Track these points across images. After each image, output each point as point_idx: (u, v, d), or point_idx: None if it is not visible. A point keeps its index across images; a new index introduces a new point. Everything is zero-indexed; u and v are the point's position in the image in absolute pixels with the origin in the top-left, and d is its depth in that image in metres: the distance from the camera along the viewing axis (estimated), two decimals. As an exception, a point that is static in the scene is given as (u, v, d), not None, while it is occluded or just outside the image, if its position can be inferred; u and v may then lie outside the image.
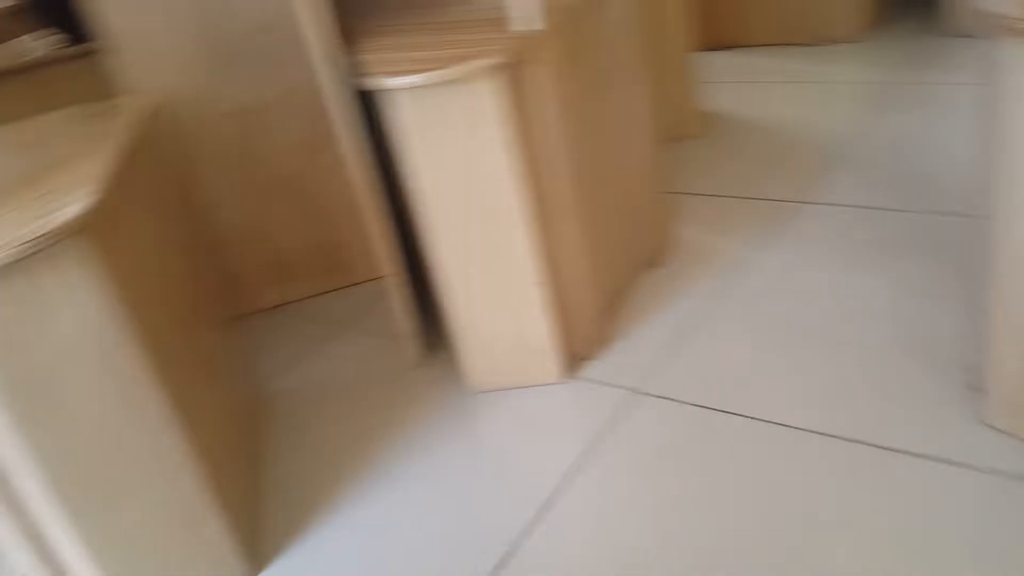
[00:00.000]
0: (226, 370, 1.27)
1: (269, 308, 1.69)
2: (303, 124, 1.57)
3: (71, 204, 0.84)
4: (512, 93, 1.08)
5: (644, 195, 1.48)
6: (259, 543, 1.12)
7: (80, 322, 0.85)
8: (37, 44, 1.63)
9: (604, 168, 1.34)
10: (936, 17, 2.24)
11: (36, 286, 0.83)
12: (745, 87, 2.26)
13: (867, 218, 1.55)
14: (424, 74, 1.03)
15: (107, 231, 0.89)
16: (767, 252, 1.51)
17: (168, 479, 0.95)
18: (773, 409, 1.15)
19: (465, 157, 1.12)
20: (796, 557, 0.94)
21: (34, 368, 0.85)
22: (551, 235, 1.22)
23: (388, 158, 1.29)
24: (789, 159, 1.82)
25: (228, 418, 1.17)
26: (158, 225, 1.13)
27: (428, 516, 1.11)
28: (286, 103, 1.55)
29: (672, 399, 1.22)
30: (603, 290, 1.37)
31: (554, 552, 1.01)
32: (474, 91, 1.06)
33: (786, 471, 1.05)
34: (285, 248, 1.66)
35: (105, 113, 1.20)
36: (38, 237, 0.80)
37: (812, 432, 1.10)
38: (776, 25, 2.48)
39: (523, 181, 1.13)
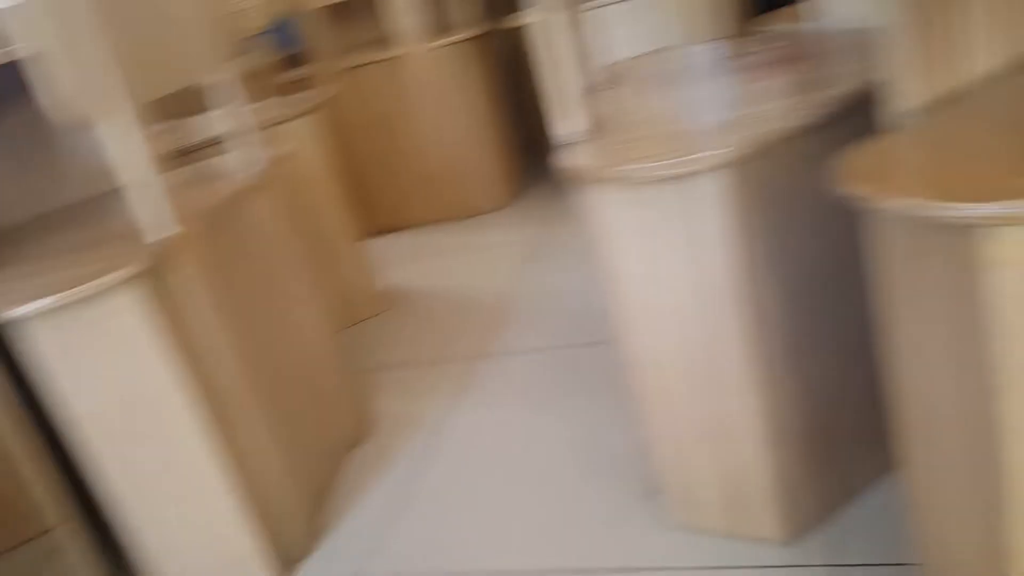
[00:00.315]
0: None
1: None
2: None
3: None
4: (158, 302, 1.06)
5: (332, 380, 1.49)
6: None
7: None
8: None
9: (283, 362, 1.33)
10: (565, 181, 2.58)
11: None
12: (416, 263, 2.40)
13: (538, 360, 1.68)
14: (54, 296, 0.98)
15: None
16: (460, 410, 1.57)
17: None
18: (490, 557, 1.17)
19: (119, 376, 1.06)
20: None
21: None
22: (234, 439, 1.17)
23: (33, 395, 1.18)
24: (466, 321, 1.93)
25: None
26: None
27: None
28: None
29: (399, 574, 1.19)
30: (306, 484, 1.33)
31: None
32: (115, 306, 1.02)
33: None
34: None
35: None
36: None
37: (530, 571, 1.13)
38: (433, 205, 2.69)
39: (189, 390, 1.09)
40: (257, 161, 1.36)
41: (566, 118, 1.01)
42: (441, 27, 2.67)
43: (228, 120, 1.35)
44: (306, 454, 1.36)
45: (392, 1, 2.45)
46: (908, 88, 0.76)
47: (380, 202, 2.71)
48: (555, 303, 1.91)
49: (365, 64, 2.56)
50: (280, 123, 1.92)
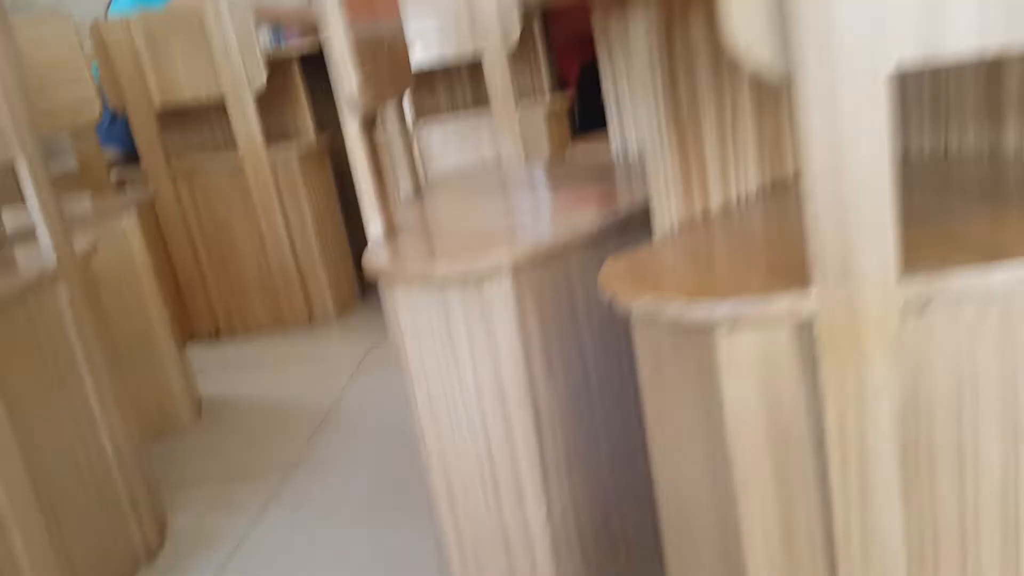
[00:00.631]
0: None
1: None
2: None
3: None
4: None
5: (126, 491, 1.38)
6: None
7: None
8: None
9: (69, 469, 1.22)
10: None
11: None
12: (243, 372, 2.31)
13: (352, 476, 1.62)
14: None
15: None
16: (264, 526, 1.49)
17: None
18: None
19: None
20: None
21: None
22: (10, 552, 1.05)
23: None
24: (282, 433, 1.86)
25: None
26: None
27: None
28: None
29: None
30: (71, 603, 1.20)
31: None
32: None
33: None
34: None
35: None
36: None
37: None
38: (268, 313, 2.63)
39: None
40: (52, 255, 1.29)
41: (374, 223, 1.02)
42: (282, 134, 2.69)
43: (30, 211, 1.28)
44: (90, 570, 1.24)
45: (233, 107, 2.46)
46: (670, 205, 0.82)
47: (214, 307, 2.62)
48: (376, 417, 1.87)
49: (204, 166, 2.53)
50: (96, 218, 1.84)
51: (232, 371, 2.34)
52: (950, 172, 0.88)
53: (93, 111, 2.01)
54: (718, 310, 0.62)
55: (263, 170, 2.51)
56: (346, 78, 0.91)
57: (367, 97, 0.94)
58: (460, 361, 0.95)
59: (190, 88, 2.46)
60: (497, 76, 2.32)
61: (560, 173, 1.28)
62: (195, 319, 2.63)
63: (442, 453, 1.01)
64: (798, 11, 0.55)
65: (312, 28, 2.71)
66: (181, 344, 2.05)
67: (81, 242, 1.40)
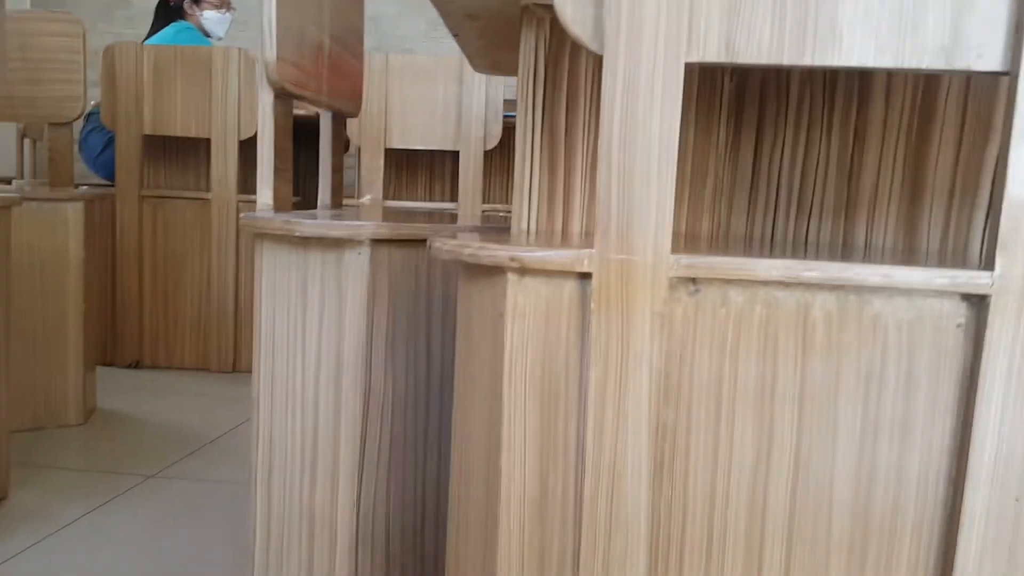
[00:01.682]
0: None
1: None
2: None
3: None
4: None
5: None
6: None
7: None
8: None
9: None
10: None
11: None
12: (144, 395, 2.28)
13: (214, 490, 1.58)
14: None
15: None
16: (99, 514, 1.44)
17: None
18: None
19: None
20: None
21: None
22: None
23: None
24: (163, 448, 1.82)
25: None
26: None
27: None
28: None
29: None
30: None
31: None
32: None
33: None
34: None
35: None
36: None
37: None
38: (199, 352, 2.62)
39: None
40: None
41: (264, 193, 1.06)
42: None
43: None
44: None
45: (217, 149, 2.55)
46: (528, 214, 0.86)
47: (143, 336, 2.62)
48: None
49: (173, 199, 2.60)
50: (44, 201, 1.89)
51: (138, 393, 2.31)
52: (801, 246, 0.94)
53: (75, 110, 2.10)
54: (507, 252, 0.65)
55: (229, 216, 2.58)
56: (268, 46, 0.98)
57: (283, 75, 1.01)
58: (308, 329, 0.96)
59: (182, 123, 2.57)
60: (469, 172, 2.43)
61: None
62: (121, 345, 2.62)
63: (270, 425, 1.00)
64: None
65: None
66: (92, 356, 2.05)
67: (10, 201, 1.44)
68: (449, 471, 1.02)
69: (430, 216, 1.26)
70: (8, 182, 3.02)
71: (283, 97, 1.03)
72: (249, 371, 2.61)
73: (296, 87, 1.05)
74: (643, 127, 0.62)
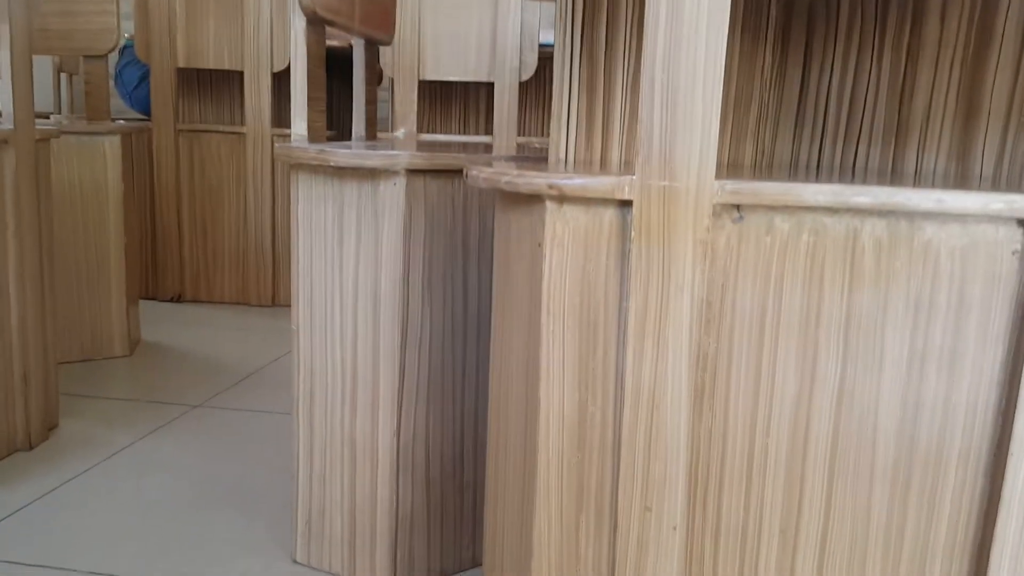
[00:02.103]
0: None
1: None
2: None
3: None
4: None
5: (17, 367, 1.38)
6: None
7: None
8: None
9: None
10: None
11: None
12: (188, 328, 2.32)
13: (253, 419, 1.62)
14: None
15: None
16: (148, 443, 1.48)
17: None
18: (99, 563, 1.06)
19: None
20: None
21: None
22: None
23: None
24: (206, 379, 1.86)
25: None
26: None
27: None
28: None
29: (8, 561, 1.06)
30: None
31: None
32: None
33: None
34: None
35: None
36: None
37: (124, 577, 1.03)
38: (238, 286, 2.65)
39: None
40: (11, 121, 1.33)
41: (299, 122, 1.05)
42: (289, 118, 2.77)
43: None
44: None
45: (250, 82, 2.54)
46: (567, 143, 0.85)
47: (184, 271, 2.65)
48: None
49: (209, 133, 2.60)
50: (82, 134, 1.90)
51: (180, 326, 2.36)
52: (848, 172, 0.91)
53: (109, 42, 2.09)
54: (545, 180, 0.64)
55: (264, 149, 2.57)
56: (298, -29, 0.96)
57: (319, 1, 0.99)
58: (345, 260, 0.96)
59: (215, 56, 2.55)
60: (505, 104, 2.40)
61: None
62: (162, 279, 2.65)
63: (310, 355, 1.01)
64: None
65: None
66: (135, 289, 2.08)
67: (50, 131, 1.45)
68: (487, 401, 1.03)
69: (464, 148, 1.25)
70: (46, 117, 3.05)
71: (315, 23, 1.01)
72: (288, 305, 2.65)
73: (328, 12, 1.02)
74: (688, 46, 0.60)
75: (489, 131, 2.91)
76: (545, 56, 2.62)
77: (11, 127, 1.32)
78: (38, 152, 1.40)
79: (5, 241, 1.34)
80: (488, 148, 1.36)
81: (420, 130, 2.89)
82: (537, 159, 1.03)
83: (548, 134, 2.87)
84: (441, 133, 2.94)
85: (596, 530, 0.68)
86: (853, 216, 0.62)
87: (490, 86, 2.83)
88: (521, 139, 2.72)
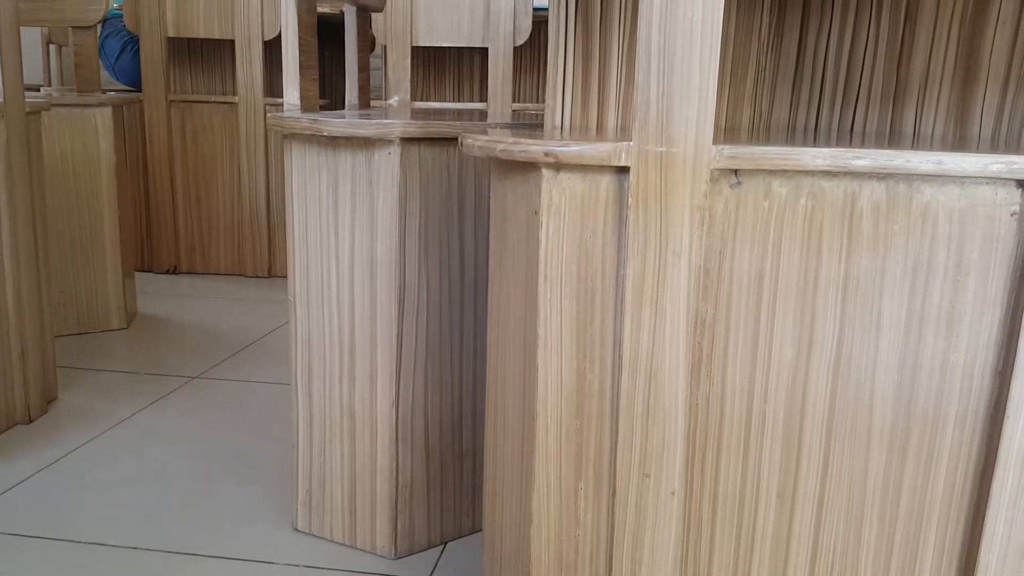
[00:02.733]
0: None
1: None
2: None
3: None
4: None
5: (14, 341, 1.38)
6: None
7: None
8: None
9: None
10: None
11: None
12: (184, 299, 2.31)
13: (252, 390, 1.62)
14: None
15: None
16: (147, 413, 1.48)
17: None
18: (100, 533, 1.07)
19: None
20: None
21: None
22: None
23: None
24: (203, 350, 1.86)
25: None
26: None
27: None
28: None
29: (13, 531, 1.07)
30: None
31: None
32: None
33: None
34: None
35: None
36: None
37: (129, 547, 1.04)
38: (232, 257, 2.64)
39: None
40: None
41: (291, 92, 1.04)
42: (281, 88, 2.74)
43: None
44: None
45: (241, 51, 2.51)
46: (562, 108, 0.84)
47: (179, 242, 2.64)
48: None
49: (201, 103, 2.57)
50: (73, 106, 1.88)
51: (177, 298, 2.35)
52: (845, 136, 0.91)
53: (98, 13, 2.06)
54: (541, 147, 0.64)
55: (256, 119, 2.55)
56: (287, -63, 0.94)
57: (308, -33, 0.97)
58: (340, 230, 0.96)
59: (205, 25, 2.52)
60: (499, 70, 2.37)
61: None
62: (157, 251, 2.65)
63: (307, 326, 1.01)
64: None
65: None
66: (131, 261, 2.07)
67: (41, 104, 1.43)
68: (484, 369, 1.03)
69: (459, 115, 1.23)
70: (36, 89, 3.01)
71: (306, -9, 1.00)
72: (284, 276, 2.64)
73: (319, -20, 1.01)
74: (685, 8, 0.59)
75: (483, 98, 2.88)
76: (539, 21, 2.59)
77: (0, 100, 1.30)
78: (29, 125, 1.39)
79: (-2, 215, 1.33)
80: (483, 115, 1.35)
81: (413, 98, 2.86)
82: (532, 126, 1.03)
83: (543, 100, 2.85)
84: (435, 100, 2.92)
85: (595, 496, 0.68)
86: (852, 180, 0.61)
87: (484, 52, 2.80)
88: (516, 105, 2.70)
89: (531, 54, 2.87)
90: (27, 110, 1.38)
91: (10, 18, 1.32)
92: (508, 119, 1.22)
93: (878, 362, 0.65)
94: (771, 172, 0.62)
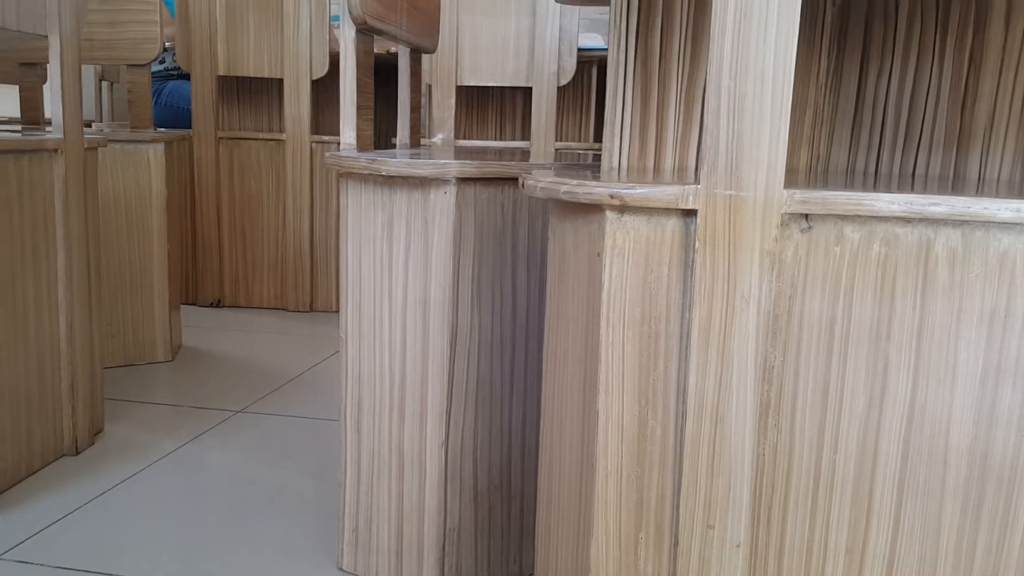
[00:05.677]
0: None
1: None
2: None
3: None
4: None
5: (65, 375, 1.40)
6: None
7: None
8: None
9: (8, 327, 1.25)
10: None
11: None
12: (228, 333, 2.33)
13: (295, 425, 1.62)
14: None
15: None
16: (192, 447, 1.49)
17: None
18: (144, 566, 1.07)
19: None
20: None
21: None
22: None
23: None
24: (247, 384, 1.87)
25: None
26: None
27: None
28: None
29: (37, 564, 1.07)
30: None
31: None
32: None
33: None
34: None
35: None
36: None
37: (172, 584, 1.04)
38: (275, 291, 2.67)
39: None
40: (60, 130, 1.35)
41: (347, 131, 1.05)
42: (330, 129, 2.78)
43: (51, 87, 1.35)
44: (10, 436, 1.25)
45: (290, 90, 2.56)
46: (620, 149, 0.83)
47: (223, 276, 2.67)
48: (336, 392, 1.88)
49: (249, 140, 2.62)
50: (126, 142, 1.92)
51: (220, 332, 2.37)
52: (907, 180, 0.89)
53: (152, 51, 2.12)
54: (606, 189, 0.63)
55: (303, 156, 2.59)
56: (349, -21, 0.96)
57: (367, 9, 0.99)
58: (394, 269, 0.96)
59: (255, 64, 2.57)
60: (542, 109, 2.39)
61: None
62: (202, 284, 2.68)
63: (358, 364, 1.01)
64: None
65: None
66: (177, 295, 2.10)
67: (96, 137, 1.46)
68: (535, 411, 1.02)
69: (500, 154, 1.24)
70: (88, 125, 3.09)
71: (365, 32, 1.01)
72: (325, 311, 2.66)
73: (378, 21, 1.02)
74: (757, 52, 0.58)
75: (525, 136, 2.90)
76: (584, 61, 2.61)
77: (61, 136, 1.33)
78: (86, 161, 1.42)
79: (54, 250, 1.35)
80: (525, 153, 1.35)
81: (456, 136, 2.89)
82: (584, 166, 1.02)
83: (585, 139, 2.86)
84: (477, 139, 2.94)
85: (656, 546, 0.66)
86: (927, 226, 0.60)
87: (526, 91, 2.82)
88: (559, 144, 2.71)
89: (573, 93, 2.89)
90: (85, 146, 1.41)
91: (73, 58, 1.35)
92: (551, 158, 1.22)
93: (953, 414, 0.62)
94: (843, 217, 0.60)
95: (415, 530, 1.00)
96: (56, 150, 1.33)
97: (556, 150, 2.53)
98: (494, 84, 2.46)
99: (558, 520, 0.74)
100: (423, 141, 2.57)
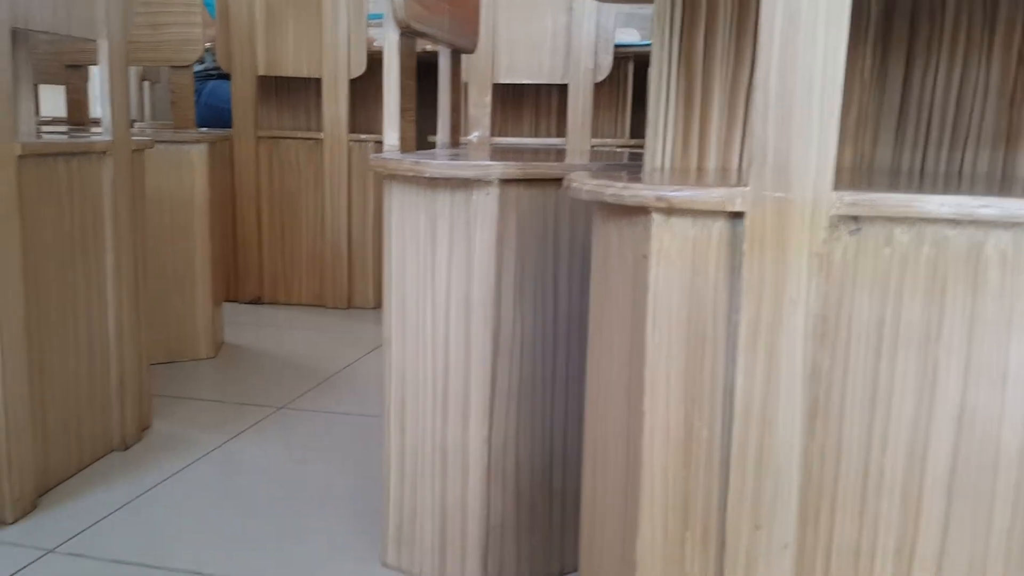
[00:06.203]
0: None
1: None
2: None
3: None
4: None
5: (114, 371, 1.43)
6: None
7: None
8: None
9: (58, 326, 1.28)
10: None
11: None
12: (269, 329, 2.37)
13: (337, 421, 1.64)
14: None
15: None
16: (235, 444, 1.51)
17: None
18: (189, 562, 1.09)
19: None
20: None
21: None
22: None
23: None
24: (289, 380, 1.90)
25: None
26: None
27: None
28: None
29: (91, 557, 1.10)
30: (40, 454, 1.24)
31: None
32: None
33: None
34: None
35: None
36: None
37: (221, 577, 1.06)
38: (314, 289, 2.70)
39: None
40: (109, 132, 1.38)
41: (390, 134, 1.06)
42: (367, 127, 2.81)
43: (100, 90, 1.38)
44: (61, 428, 1.28)
45: (328, 89, 2.59)
46: (663, 150, 0.84)
47: (263, 273, 2.71)
48: (377, 387, 1.90)
49: (287, 139, 2.65)
50: (170, 142, 1.96)
51: (261, 328, 2.41)
52: (954, 179, 0.88)
53: (194, 53, 2.15)
54: (653, 192, 0.63)
55: (341, 155, 2.62)
56: (393, -16, 0.97)
57: (409, 12, 1.00)
58: (437, 269, 0.97)
59: (294, 64, 2.60)
60: (579, 106, 2.39)
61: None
62: (243, 281, 2.72)
63: (402, 362, 1.02)
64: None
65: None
66: (220, 292, 2.14)
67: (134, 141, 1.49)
68: (577, 410, 1.03)
69: (537, 153, 1.24)
70: (131, 124, 3.15)
71: (408, 35, 1.02)
72: (362, 307, 2.69)
73: (420, 24, 1.03)
74: (805, 53, 0.58)
75: (561, 133, 2.90)
76: (620, 57, 2.60)
77: (110, 138, 1.36)
78: (134, 162, 1.45)
79: (103, 250, 1.39)
80: (562, 152, 1.35)
81: (492, 133, 2.90)
82: (623, 166, 1.03)
83: (620, 135, 2.85)
84: (512, 136, 2.95)
85: (702, 547, 0.67)
86: (977, 228, 0.59)
87: (562, 87, 2.82)
88: (595, 141, 2.71)
89: (608, 89, 2.88)
90: (133, 148, 1.44)
91: (121, 61, 1.38)
92: (587, 156, 1.23)
93: (1004, 417, 0.62)
94: (892, 219, 0.60)
95: (458, 527, 1.01)
96: (105, 152, 1.36)
97: (592, 147, 2.53)
98: (530, 82, 2.46)
99: (603, 519, 0.75)
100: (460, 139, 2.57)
